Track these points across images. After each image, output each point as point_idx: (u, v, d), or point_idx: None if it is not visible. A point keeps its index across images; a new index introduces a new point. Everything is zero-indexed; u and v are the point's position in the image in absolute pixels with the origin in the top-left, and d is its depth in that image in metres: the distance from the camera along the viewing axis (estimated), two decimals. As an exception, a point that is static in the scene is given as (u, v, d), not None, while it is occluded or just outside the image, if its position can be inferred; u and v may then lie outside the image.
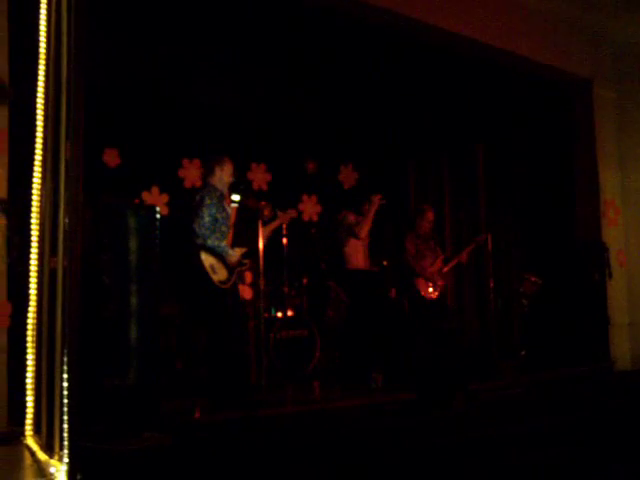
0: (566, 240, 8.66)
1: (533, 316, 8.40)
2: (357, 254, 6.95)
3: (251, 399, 5.35)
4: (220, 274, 5.59)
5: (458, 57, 7.51)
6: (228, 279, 5.62)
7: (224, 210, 5.75)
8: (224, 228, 5.71)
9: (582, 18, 8.35)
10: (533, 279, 8.30)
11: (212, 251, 5.57)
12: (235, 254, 5.67)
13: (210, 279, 5.54)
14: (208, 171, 5.90)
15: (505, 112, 8.63)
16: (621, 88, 8.92)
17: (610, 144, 8.81)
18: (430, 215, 7.60)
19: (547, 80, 8.56)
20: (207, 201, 5.62)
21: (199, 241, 5.55)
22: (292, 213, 6.66)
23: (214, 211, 5.62)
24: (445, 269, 7.62)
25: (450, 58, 7.48)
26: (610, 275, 8.33)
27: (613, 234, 8.66)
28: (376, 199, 6.91)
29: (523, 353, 8.33)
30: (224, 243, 5.66)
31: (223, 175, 5.80)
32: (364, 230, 6.91)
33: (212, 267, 5.55)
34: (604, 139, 8.73)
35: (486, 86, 8.06)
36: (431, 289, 7.44)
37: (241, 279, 5.94)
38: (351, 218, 7.06)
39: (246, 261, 5.81)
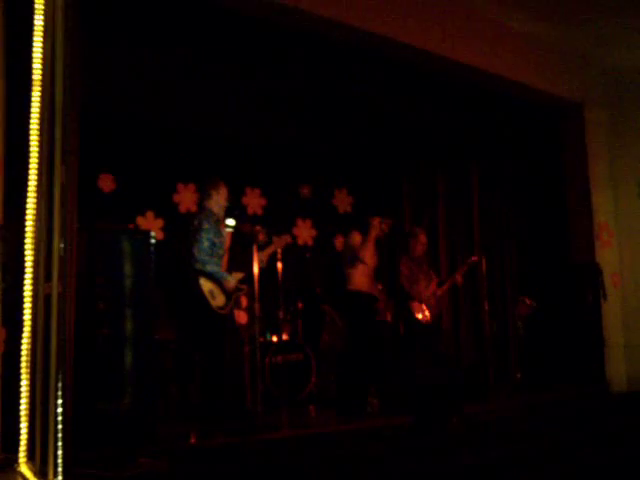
0: (560, 262, 8.68)
1: (528, 338, 8.40)
2: (362, 277, 6.86)
3: (247, 424, 5.33)
4: (218, 300, 5.57)
5: (451, 81, 7.58)
6: (226, 304, 5.61)
7: (221, 235, 5.75)
8: (221, 252, 5.71)
9: (571, 43, 8.42)
10: (528, 301, 8.30)
11: (211, 277, 5.56)
12: (232, 279, 5.66)
13: (208, 304, 5.52)
14: (205, 195, 5.89)
15: (498, 135, 8.69)
16: (612, 111, 8.99)
17: (602, 167, 8.87)
18: (423, 238, 7.57)
19: (538, 104, 8.62)
20: (205, 225, 5.61)
21: (198, 266, 5.53)
22: (287, 238, 6.67)
23: (211, 235, 5.62)
24: (439, 292, 7.59)
25: (443, 82, 7.55)
26: (604, 297, 8.34)
27: (607, 256, 8.68)
28: (376, 222, 6.87)
29: (518, 376, 8.32)
30: (221, 268, 5.67)
31: (219, 199, 5.80)
32: (366, 254, 6.85)
33: (211, 292, 5.53)
34: (596, 162, 8.78)
35: (478, 110, 8.12)
36: (426, 312, 7.41)
37: (237, 304, 5.94)
38: (357, 239, 6.95)
39: (242, 286, 5.81)
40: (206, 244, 5.57)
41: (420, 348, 7.32)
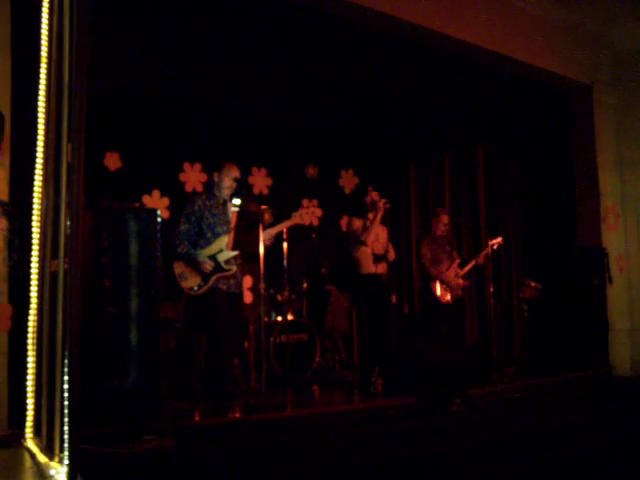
0: (566, 245, 8.67)
1: (533, 321, 8.41)
2: (368, 259, 6.92)
3: (251, 403, 5.35)
4: (190, 281, 5.60)
5: (459, 62, 7.54)
6: (200, 286, 5.62)
7: (218, 215, 5.75)
8: (209, 234, 5.69)
9: (582, 24, 8.39)
10: (533, 284, 8.29)
11: (182, 258, 5.63)
12: (207, 262, 5.64)
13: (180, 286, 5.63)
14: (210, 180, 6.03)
15: (505, 117, 8.63)
16: (620, 93, 8.94)
17: (610, 149, 8.84)
18: (445, 218, 7.62)
19: (547, 85, 8.58)
20: (187, 210, 5.74)
21: (174, 249, 5.63)
22: (317, 211, 6.51)
23: (193, 219, 5.69)
24: (461, 273, 7.61)
25: (450, 62, 7.51)
26: (610, 280, 8.34)
27: (613, 239, 8.67)
28: (381, 204, 6.90)
29: (522, 358, 8.34)
30: (201, 250, 5.66)
31: (221, 181, 5.84)
32: (371, 236, 6.88)
33: (181, 275, 5.59)
34: (604, 144, 8.75)
35: (486, 91, 8.06)
36: (447, 293, 7.45)
37: (229, 284, 5.79)
38: (357, 224, 7.02)
39: (231, 266, 5.72)
40: (182, 228, 5.67)
41: (436, 329, 7.37)
